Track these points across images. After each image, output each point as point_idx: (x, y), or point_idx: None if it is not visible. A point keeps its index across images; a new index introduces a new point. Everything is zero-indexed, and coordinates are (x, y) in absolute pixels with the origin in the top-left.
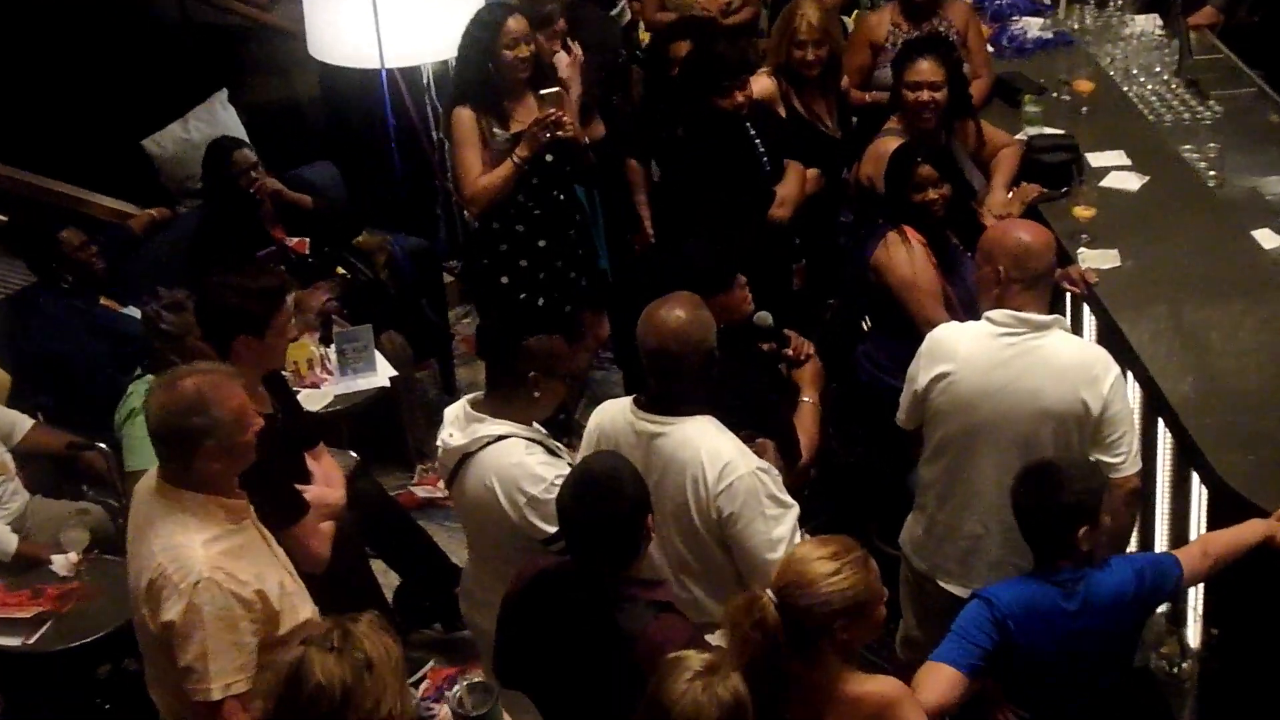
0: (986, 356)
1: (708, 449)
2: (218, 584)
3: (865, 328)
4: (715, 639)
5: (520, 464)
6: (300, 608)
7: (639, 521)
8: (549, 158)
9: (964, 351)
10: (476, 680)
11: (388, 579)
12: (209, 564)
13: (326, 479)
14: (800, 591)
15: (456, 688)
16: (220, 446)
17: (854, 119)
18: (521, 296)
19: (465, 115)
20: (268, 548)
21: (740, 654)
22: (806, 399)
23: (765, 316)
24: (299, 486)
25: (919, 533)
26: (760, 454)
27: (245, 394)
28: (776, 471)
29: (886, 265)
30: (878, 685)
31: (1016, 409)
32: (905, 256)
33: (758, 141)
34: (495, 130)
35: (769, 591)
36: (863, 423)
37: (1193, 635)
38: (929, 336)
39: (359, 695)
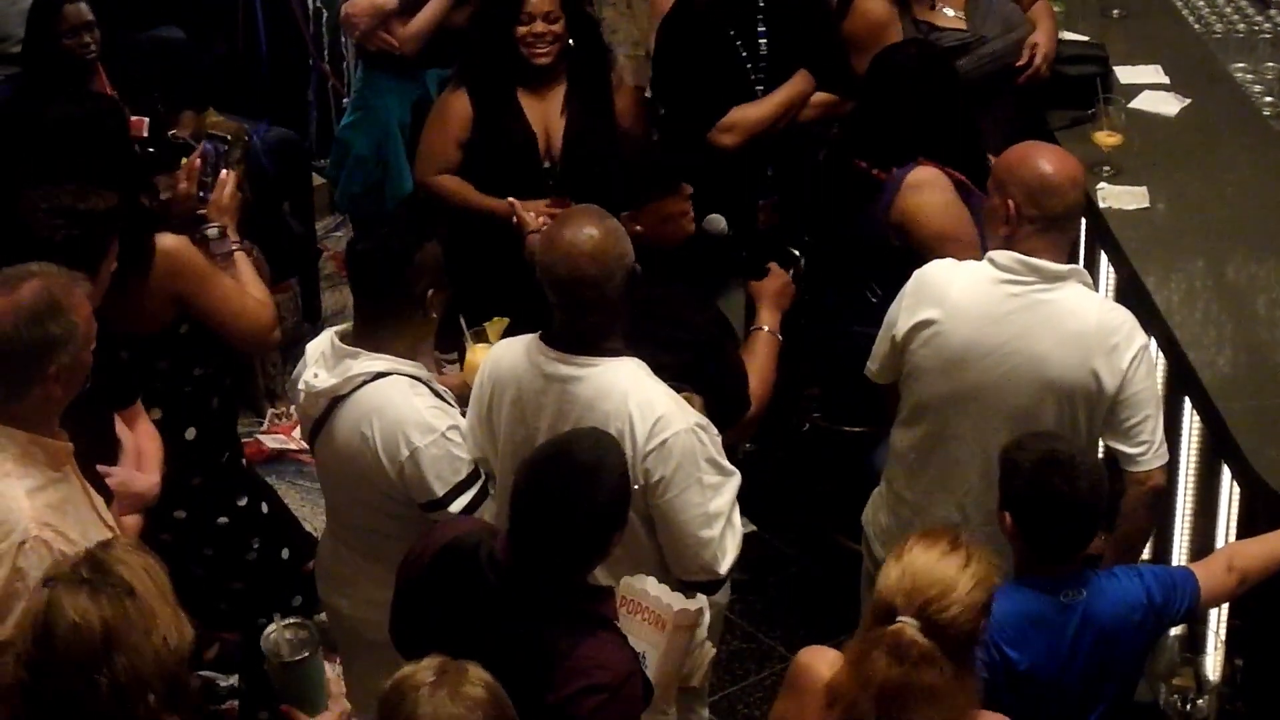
0: (983, 306)
1: (637, 399)
2: (47, 544)
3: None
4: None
5: (410, 407)
6: None
7: (611, 529)
8: None
9: (956, 296)
10: (294, 620)
11: None
12: (36, 519)
13: (139, 454)
14: (946, 603)
15: (272, 628)
16: (72, 363)
17: None
18: None
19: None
20: (89, 501)
21: (866, 689)
22: (764, 325)
23: (717, 220)
24: (101, 468)
25: (884, 515)
26: None
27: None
28: (716, 430)
29: (923, 218)
30: None
31: (1013, 375)
32: (943, 200)
33: (762, 41)
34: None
35: (907, 619)
36: (818, 379)
37: (1211, 666)
38: (916, 274)
39: (124, 629)
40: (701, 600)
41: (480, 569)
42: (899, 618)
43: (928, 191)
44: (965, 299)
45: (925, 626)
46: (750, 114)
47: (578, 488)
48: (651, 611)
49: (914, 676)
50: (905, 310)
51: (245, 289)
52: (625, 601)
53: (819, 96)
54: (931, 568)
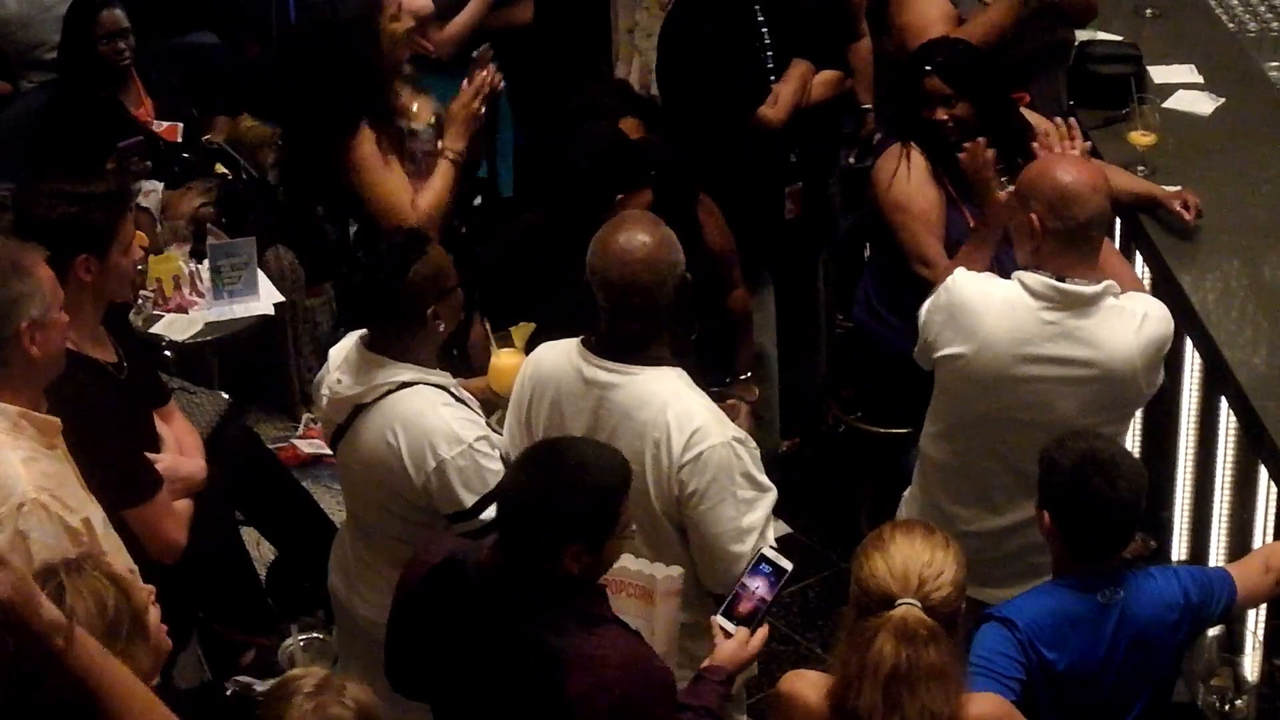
0: (1017, 335)
1: (675, 409)
2: (45, 507)
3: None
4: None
5: (438, 417)
6: (117, 556)
7: (589, 528)
8: None
9: (990, 327)
10: (313, 636)
11: (260, 552)
12: (33, 484)
13: (180, 445)
14: (940, 584)
15: (290, 641)
16: (43, 319)
17: None
18: None
19: (367, 136)
20: (81, 484)
21: (874, 677)
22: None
23: None
24: (150, 455)
25: (918, 519)
26: (731, 418)
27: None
28: (755, 445)
29: (878, 181)
30: (983, 705)
31: (1051, 399)
32: (903, 173)
33: (764, 31)
34: (411, 125)
35: (907, 601)
36: (854, 378)
37: (1250, 666)
38: (951, 289)
39: None
40: (678, 568)
41: (468, 578)
42: (899, 602)
43: (889, 162)
44: (999, 329)
45: (924, 608)
46: (787, 89)
47: (561, 478)
48: (637, 586)
49: (923, 656)
50: (938, 329)
51: (411, 189)
52: (609, 583)
53: (825, 75)
54: (919, 553)
